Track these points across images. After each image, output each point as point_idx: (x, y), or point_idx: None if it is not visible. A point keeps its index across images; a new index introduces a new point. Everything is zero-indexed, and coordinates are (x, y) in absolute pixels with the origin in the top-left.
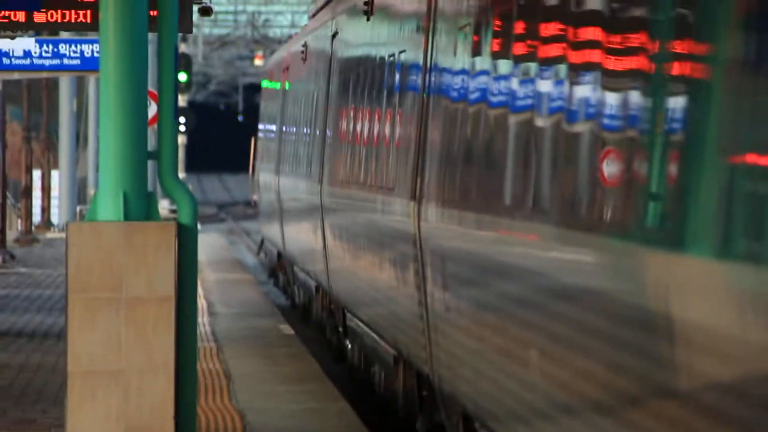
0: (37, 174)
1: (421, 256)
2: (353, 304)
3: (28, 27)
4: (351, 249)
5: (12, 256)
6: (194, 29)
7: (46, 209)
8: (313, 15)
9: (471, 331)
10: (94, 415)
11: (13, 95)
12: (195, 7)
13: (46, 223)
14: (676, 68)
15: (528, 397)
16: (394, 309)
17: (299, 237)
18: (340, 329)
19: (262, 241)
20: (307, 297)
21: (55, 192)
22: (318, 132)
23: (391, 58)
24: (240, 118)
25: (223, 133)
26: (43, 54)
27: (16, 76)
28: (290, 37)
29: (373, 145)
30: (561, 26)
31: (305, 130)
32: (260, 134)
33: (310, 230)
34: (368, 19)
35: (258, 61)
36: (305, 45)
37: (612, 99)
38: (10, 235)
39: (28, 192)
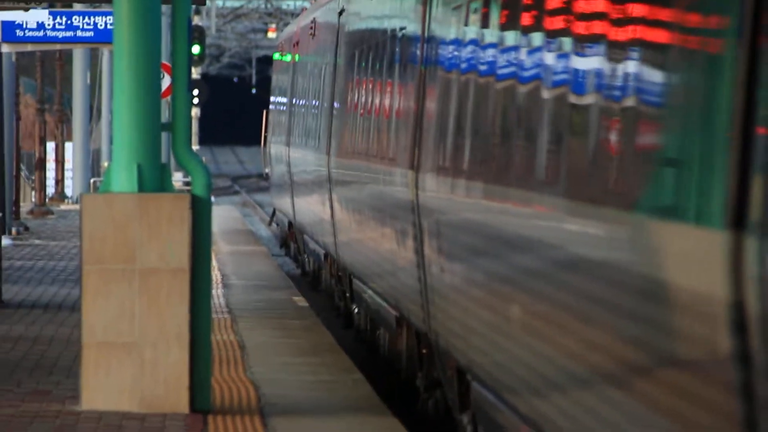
0: (50, 146)
1: (419, 222)
2: (359, 270)
3: None
4: (357, 217)
5: (26, 227)
6: (207, 1)
7: (59, 181)
8: None
9: (463, 291)
10: (109, 386)
11: (27, 67)
12: None
13: (60, 195)
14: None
15: (513, 350)
16: (395, 273)
17: (309, 207)
18: (348, 295)
19: (274, 212)
20: (317, 265)
21: (68, 164)
22: (326, 105)
23: (393, 33)
24: (253, 90)
25: (236, 106)
26: (57, 26)
27: (29, 48)
28: (303, 9)
29: (376, 117)
30: None
31: (314, 103)
32: (272, 107)
33: (319, 200)
34: None
35: (271, 34)
36: (314, 20)
37: (605, 69)
38: (24, 207)
39: (41, 164)
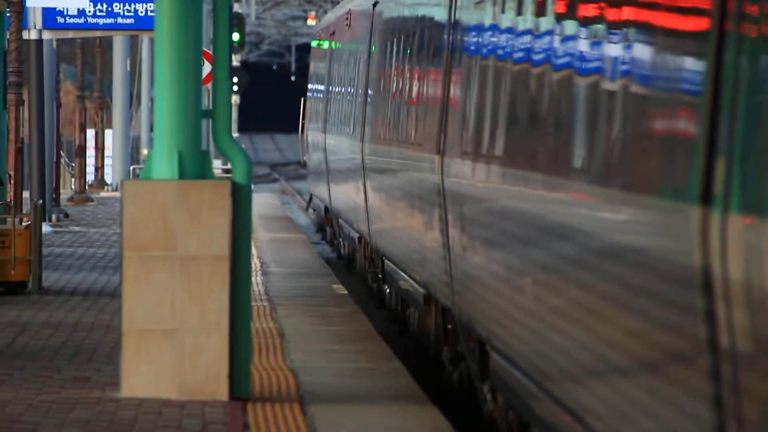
0: (90, 133)
1: (444, 204)
2: (391, 252)
3: None
4: (389, 201)
5: (66, 215)
6: None
7: (99, 168)
8: None
9: (483, 268)
10: (149, 373)
11: (67, 54)
12: None
13: (100, 182)
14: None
15: (527, 322)
16: (423, 253)
17: (344, 192)
18: (380, 276)
19: (311, 198)
20: (352, 248)
21: (108, 151)
22: (360, 93)
23: (422, 22)
24: (292, 78)
25: (275, 93)
26: (97, 13)
27: (70, 35)
28: None
29: (406, 104)
30: None
31: (349, 91)
32: (309, 94)
33: (354, 186)
34: None
35: (310, 21)
36: (350, 11)
37: (637, 57)
38: (64, 194)
39: (81, 151)
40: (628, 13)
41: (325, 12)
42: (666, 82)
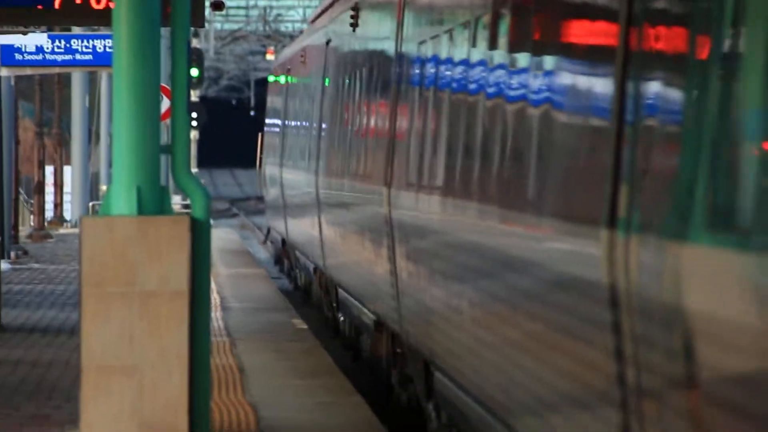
0: (49, 170)
1: (392, 233)
2: (344, 280)
3: (40, 21)
4: (341, 232)
5: (25, 251)
6: (206, 24)
7: (58, 205)
8: (312, 21)
9: (426, 293)
10: (108, 410)
11: (25, 91)
12: (207, 2)
13: (59, 218)
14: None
15: (465, 340)
16: (374, 281)
17: (300, 225)
18: (334, 305)
19: (269, 230)
20: (308, 279)
21: (67, 188)
22: (314, 128)
23: (370, 61)
24: (252, 113)
25: (234, 128)
26: (56, 49)
27: (28, 71)
28: (301, 32)
29: (356, 138)
30: (503, 25)
31: (304, 126)
32: (266, 129)
33: (309, 218)
34: (354, 30)
35: (269, 56)
36: (304, 49)
37: (552, 86)
38: (23, 231)
39: (40, 188)
40: (541, 43)
41: (284, 47)
42: (578, 111)
